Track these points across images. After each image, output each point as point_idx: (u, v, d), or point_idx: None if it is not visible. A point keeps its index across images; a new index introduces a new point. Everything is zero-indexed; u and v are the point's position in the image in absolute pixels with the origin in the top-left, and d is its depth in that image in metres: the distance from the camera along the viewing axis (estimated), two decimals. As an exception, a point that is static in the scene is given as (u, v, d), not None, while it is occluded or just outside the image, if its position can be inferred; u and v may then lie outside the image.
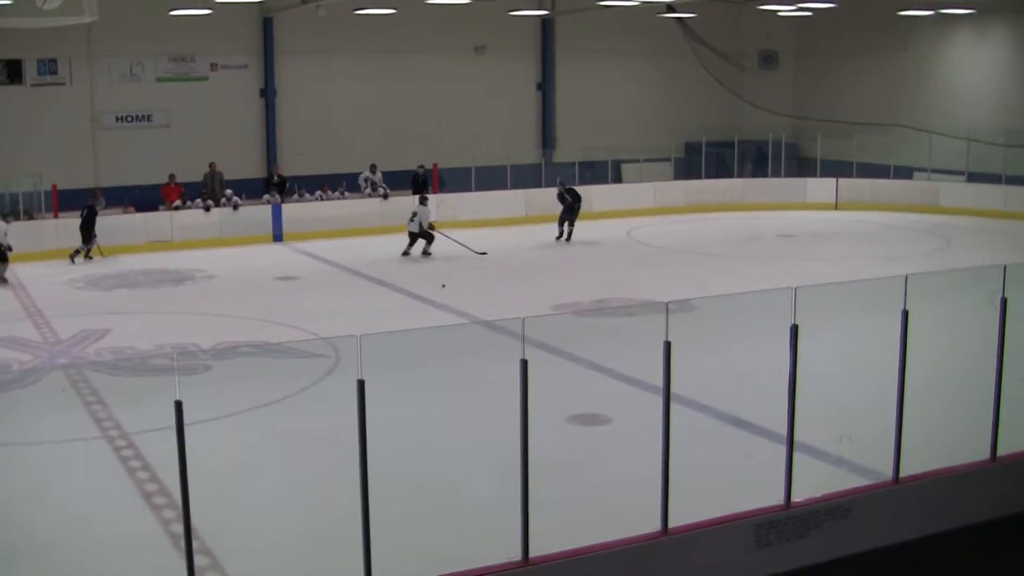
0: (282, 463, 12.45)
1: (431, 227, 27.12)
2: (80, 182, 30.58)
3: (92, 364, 16.90)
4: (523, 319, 8.70)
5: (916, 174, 34.60)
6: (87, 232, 26.79)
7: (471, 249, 26.78)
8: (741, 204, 34.41)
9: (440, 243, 26.79)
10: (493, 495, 10.30)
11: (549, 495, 9.32)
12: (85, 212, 27.10)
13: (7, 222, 25.35)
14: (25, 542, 9.67)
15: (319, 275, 25.10)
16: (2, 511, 7.47)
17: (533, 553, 8.80)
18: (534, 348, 8.81)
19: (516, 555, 8.79)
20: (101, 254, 26.91)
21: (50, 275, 24.95)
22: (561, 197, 29.46)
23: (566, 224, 29.24)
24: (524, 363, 8.54)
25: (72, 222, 27.62)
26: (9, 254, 24.67)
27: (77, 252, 26.74)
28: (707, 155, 36.56)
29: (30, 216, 29.22)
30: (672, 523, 9.36)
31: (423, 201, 27.60)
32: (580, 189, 30.01)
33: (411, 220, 27.04)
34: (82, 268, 25.77)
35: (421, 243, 26.96)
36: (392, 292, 22.62)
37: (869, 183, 34.30)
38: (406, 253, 27.01)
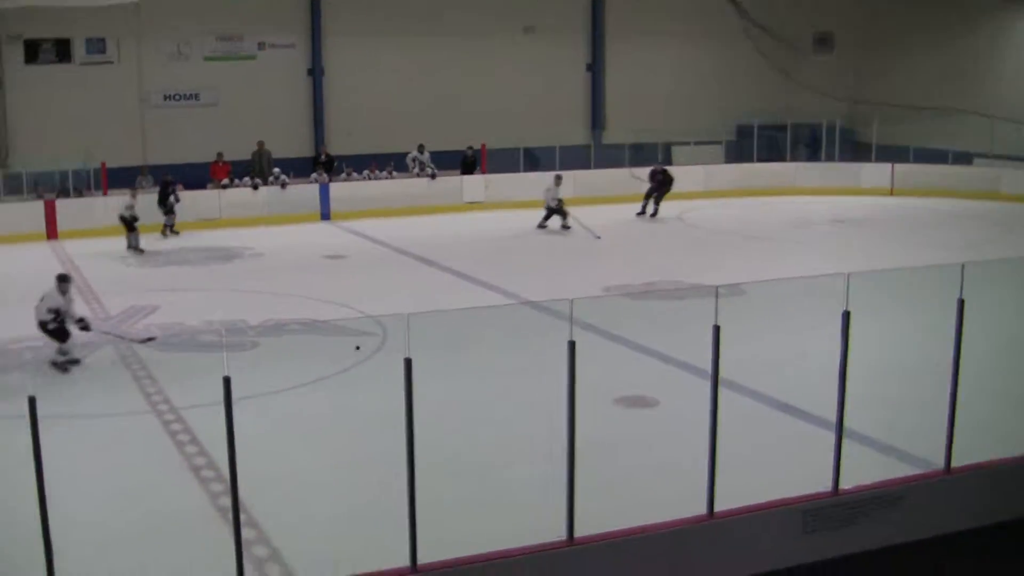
0: (328, 440, 12.43)
1: (559, 203, 27.57)
2: (129, 160, 30.84)
3: (141, 340, 17.00)
4: (571, 300, 8.64)
5: (977, 160, 33.92)
6: (165, 206, 27.19)
7: (590, 231, 26.79)
8: (793, 188, 34.07)
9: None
10: (538, 475, 10.24)
11: (594, 476, 9.26)
12: (160, 187, 27.52)
13: (133, 197, 25.84)
14: (73, 515, 9.72)
15: (367, 254, 25.14)
16: (51, 484, 7.49)
17: (578, 534, 8.77)
18: (582, 330, 8.75)
19: (561, 535, 8.76)
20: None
21: (100, 252, 25.13)
22: (653, 174, 29.92)
23: (651, 200, 29.77)
24: (572, 344, 8.48)
25: (120, 200, 27.95)
26: (138, 224, 25.51)
27: (167, 226, 27.30)
28: (759, 138, 36.23)
29: (79, 194, 29.50)
30: (718, 507, 9.29)
31: (557, 179, 28.02)
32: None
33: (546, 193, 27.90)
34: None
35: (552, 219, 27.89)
36: (440, 271, 22.61)
37: (926, 169, 33.64)
38: (542, 226, 27.74)
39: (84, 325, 15.37)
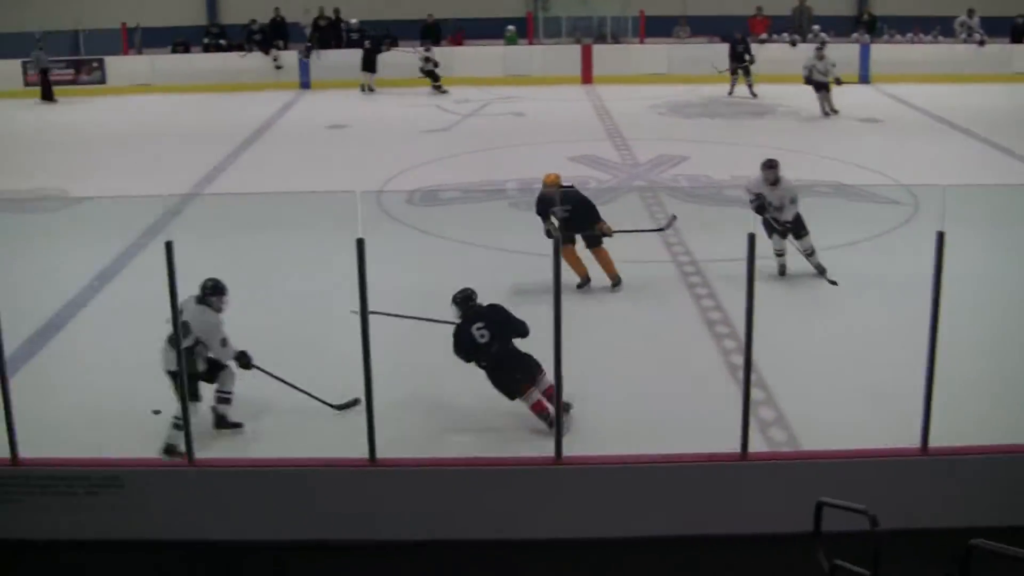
0: (845, 308, 12.06)
1: None
2: (667, 9, 31.02)
3: (667, 189, 17.25)
4: None
5: None
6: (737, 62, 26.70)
7: None
8: None
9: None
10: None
11: None
12: (731, 42, 27.07)
13: (821, 57, 23.91)
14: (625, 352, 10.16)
15: (904, 120, 23.91)
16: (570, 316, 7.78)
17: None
18: None
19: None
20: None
21: (633, 99, 25.69)
22: None
23: None
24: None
25: (656, 48, 28.43)
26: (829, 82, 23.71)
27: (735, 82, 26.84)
28: None
29: (616, 40, 30.18)
30: None
31: None
32: None
33: None
34: (665, 95, 26.27)
35: None
36: (981, 144, 21.10)
37: None
38: None
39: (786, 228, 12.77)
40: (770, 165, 12.80)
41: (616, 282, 12.56)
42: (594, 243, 12.47)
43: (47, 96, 28.42)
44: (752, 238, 7.58)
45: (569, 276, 11.81)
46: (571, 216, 12.20)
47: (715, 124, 23.21)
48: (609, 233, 12.39)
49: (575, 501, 7.92)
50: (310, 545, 7.84)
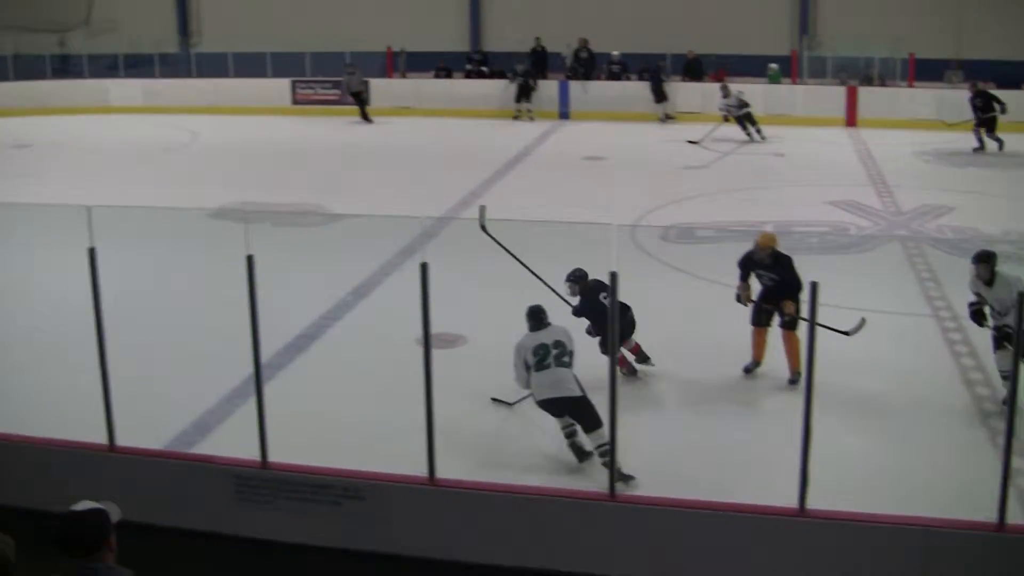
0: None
1: None
2: (938, 52, 29.83)
3: (931, 240, 16.61)
4: None
5: None
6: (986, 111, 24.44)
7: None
8: None
9: None
10: None
11: None
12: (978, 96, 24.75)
13: None
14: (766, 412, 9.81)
15: None
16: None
17: None
18: None
19: None
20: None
21: (898, 144, 24.90)
22: None
23: None
24: None
25: (925, 93, 27.55)
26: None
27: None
28: None
29: (883, 83, 29.38)
30: None
31: None
32: None
33: None
34: (933, 141, 25.28)
35: None
36: None
37: None
38: None
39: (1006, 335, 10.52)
40: (980, 259, 10.40)
41: (795, 379, 10.64)
42: (790, 326, 10.81)
43: (364, 117, 29.61)
44: (1022, 297, 7.17)
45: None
46: (775, 287, 10.88)
47: (986, 175, 22.19)
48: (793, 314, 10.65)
49: (817, 553, 7.64)
50: (541, 573, 7.80)
